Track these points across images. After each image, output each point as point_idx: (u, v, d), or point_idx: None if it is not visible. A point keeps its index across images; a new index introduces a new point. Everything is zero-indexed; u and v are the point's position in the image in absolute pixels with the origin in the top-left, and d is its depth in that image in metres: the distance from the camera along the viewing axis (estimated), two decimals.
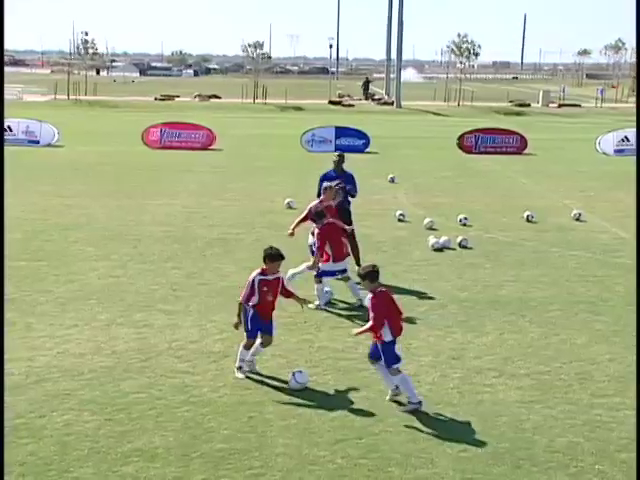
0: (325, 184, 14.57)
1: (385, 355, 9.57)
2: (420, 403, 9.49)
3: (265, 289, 10.29)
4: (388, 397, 9.74)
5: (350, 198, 15.62)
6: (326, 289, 13.61)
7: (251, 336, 10.41)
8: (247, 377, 10.34)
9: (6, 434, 8.27)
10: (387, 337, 9.53)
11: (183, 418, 9.12)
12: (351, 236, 15.53)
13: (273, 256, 10.34)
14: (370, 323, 9.55)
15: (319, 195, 15.33)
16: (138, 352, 11.10)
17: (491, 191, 26.30)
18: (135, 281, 14.64)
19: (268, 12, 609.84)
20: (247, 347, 10.44)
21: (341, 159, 15.86)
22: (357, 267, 15.08)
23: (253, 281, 10.28)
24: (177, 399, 9.62)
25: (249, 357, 10.48)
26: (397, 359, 9.59)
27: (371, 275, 9.63)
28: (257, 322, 10.35)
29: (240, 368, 10.44)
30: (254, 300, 10.27)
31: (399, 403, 9.64)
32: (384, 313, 9.47)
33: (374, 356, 9.77)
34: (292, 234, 14.62)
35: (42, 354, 10.95)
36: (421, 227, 19.70)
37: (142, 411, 9.26)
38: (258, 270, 10.37)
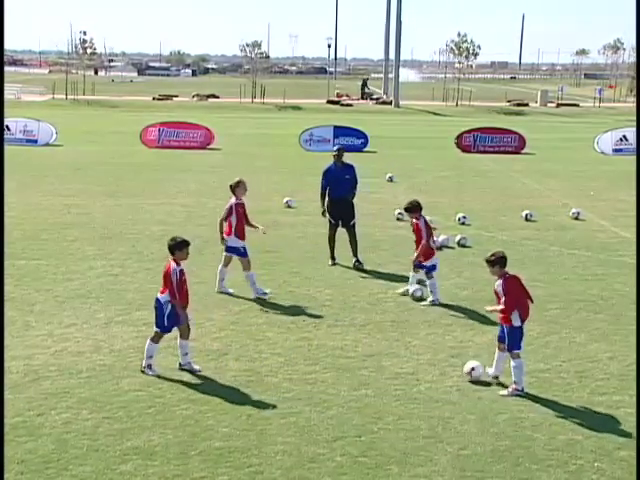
0: (236, 179, 14.24)
1: (509, 338, 9.89)
2: (523, 390, 9.85)
3: (184, 278, 10.33)
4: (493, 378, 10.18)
5: (354, 190, 16.10)
6: (266, 290, 13.80)
7: (166, 330, 10.35)
8: (247, 375, 10.32)
9: (5, 432, 8.25)
10: (516, 322, 9.87)
11: (182, 416, 9.11)
12: (352, 228, 15.95)
13: (181, 244, 10.38)
14: (501, 306, 9.87)
15: (323, 188, 15.89)
16: (137, 350, 11.06)
17: (490, 190, 26.30)
18: (134, 280, 14.62)
19: (266, 12, 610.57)
20: (157, 341, 10.36)
21: (340, 152, 16.15)
22: (354, 259, 15.85)
23: (177, 274, 10.19)
24: (176, 397, 9.60)
25: (187, 359, 10.41)
26: (520, 344, 9.93)
27: (500, 261, 10.01)
28: (174, 317, 10.25)
29: (150, 366, 10.29)
30: (178, 294, 10.20)
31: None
32: (516, 297, 9.85)
33: (502, 340, 10.09)
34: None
35: (41, 352, 10.93)
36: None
37: (141, 409, 9.25)
38: (173, 264, 10.26)
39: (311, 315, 12.83)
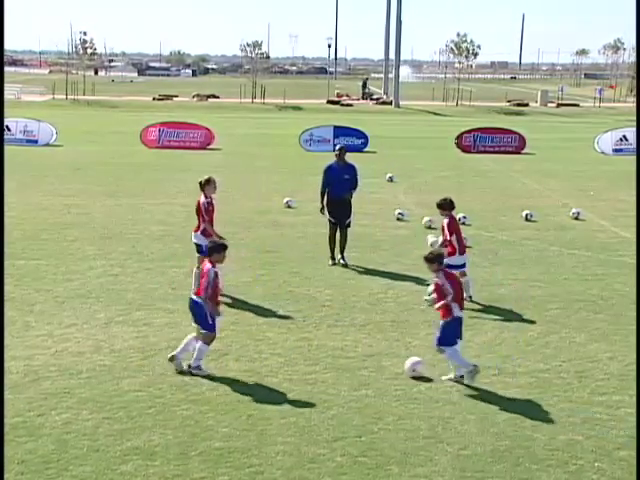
0: (204, 178, 14.15)
1: (445, 331, 10.12)
2: (476, 367, 10.10)
3: (218, 281, 10.41)
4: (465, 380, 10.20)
5: (353, 190, 16.19)
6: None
7: (213, 329, 10.40)
8: (247, 375, 10.32)
9: (5, 432, 8.25)
10: (457, 312, 10.15)
11: (182, 416, 9.11)
12: (346, 227, 16.07)
13: (219, 247, 10.50)
14: (449, 297, 10.12)
15: (323, 185, 15.93)
16: (137, 350, 11.08)
17: (490, 190, 26.30)
18: (134, 280, 14.62)
19: (266, 12, 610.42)
20: (209, 342, 10.40)
21: (342, 152, 16.22)
22: (339, 256, 16.03)
23: (212, 275, 10.27)
24: (176, 397, 9.60)
25: (198, 362, 10.37)
26: (456, 338, 10.15)
27: (438, 259, 10.40)
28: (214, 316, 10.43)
29: (199, 367, 10.31)
30: (210, 294, 10.31)
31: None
32: (458, 285, 10.24)
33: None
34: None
35: (41, 353, 10.93)
36: (420, 226, 19.68)
37: (141, 409, 9.25)
38: (209, 264, 10.36)
39: (311, 315, 12.83)
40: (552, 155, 37.24)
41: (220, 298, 10.71)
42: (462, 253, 13.74)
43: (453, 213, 13.93)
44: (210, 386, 9.96)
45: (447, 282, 10.23)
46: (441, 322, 10.26)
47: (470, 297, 13.77)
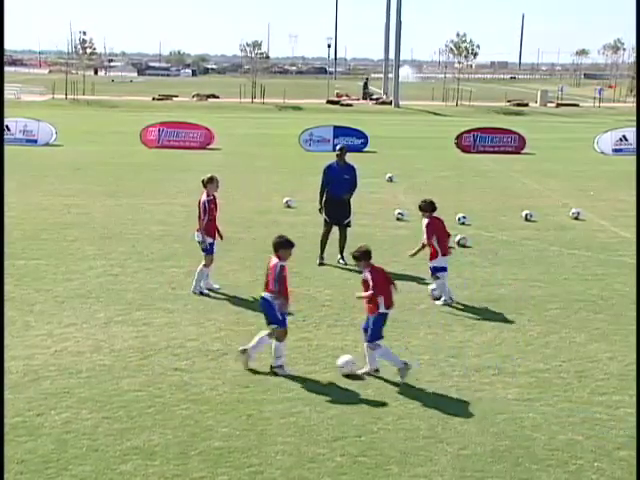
0: (207, 175, 14.13)
1: (373, 327, 10.27)
2: (406, 364, 10.28)
3: (284, 274, 10.40)
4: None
5: (352, 191, 16.21)
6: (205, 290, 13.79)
7: (285, 324, 10.45)
8: (247, 375, 10.31)
9: (5, 432, 8.25)
10: (381, 308, 10.27)
11: (182, 416, 9.10)
12: (345, 227, 16.13)
13: (286, 244, 10.45)
14: (370, 291, 10.29)
15: (323, 184, 15.98)
16: (137, 350, 11.07)
17: (490, 190, 26.30)
18: (134, 279, 14.62)
19: (266, 12, 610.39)
20: (282, 339, 10.42)
21: (343, 152, 16.26)
22: (339, 256, 16.11)
23: (278, 268, 10.28)
24: (176, 397, 9.60)
25: (279, 361, 10.40)
26: (380, 336, 10.33)
27: (365, 256, 10.49)
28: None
29: (282, 367, 10.35)
30: (279, 288, 10.31)
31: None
32: (380, 284, 10.30)
33: (366, 331, 10.47)
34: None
35: (40, 352, 10.92)
36: (420, 226, 19.61)
37: (141, 409, 9.24)
38: (275, 259, 10.37)
39: (311, 315, 12.83)
40: (552, 155, 37.25)
41: (290, 294, 10.62)
42: (445, 254, 13.66)
43: (434, 214, 13.78)
44: (210, 386, 9.96)
45: (374, 279, 10.28)
46: (370, 318, 10.33)
47: (451, 299, 13.62)
